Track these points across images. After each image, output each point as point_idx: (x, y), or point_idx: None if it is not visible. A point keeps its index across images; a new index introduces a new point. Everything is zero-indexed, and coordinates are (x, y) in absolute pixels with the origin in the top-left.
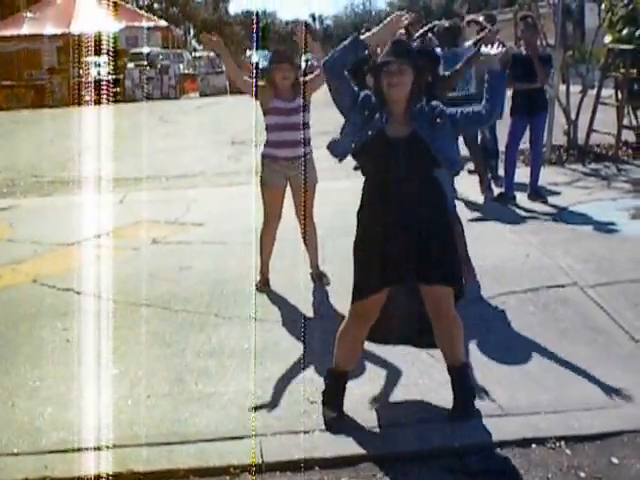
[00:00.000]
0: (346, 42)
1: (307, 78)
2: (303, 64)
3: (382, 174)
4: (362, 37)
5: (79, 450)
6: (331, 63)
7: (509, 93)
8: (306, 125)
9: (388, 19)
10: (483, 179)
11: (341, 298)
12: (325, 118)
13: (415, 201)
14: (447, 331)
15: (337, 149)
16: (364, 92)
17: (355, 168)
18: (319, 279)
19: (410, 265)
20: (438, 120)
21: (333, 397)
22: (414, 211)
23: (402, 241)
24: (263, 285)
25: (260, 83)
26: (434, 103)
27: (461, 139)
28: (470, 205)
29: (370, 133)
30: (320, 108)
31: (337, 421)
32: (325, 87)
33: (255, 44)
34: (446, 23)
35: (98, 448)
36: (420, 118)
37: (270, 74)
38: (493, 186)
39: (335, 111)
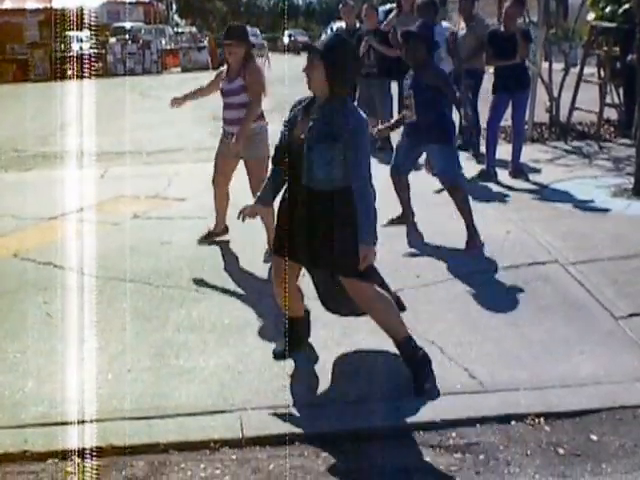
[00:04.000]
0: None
1: (250, 83)
2: (286, 39)
3: (295, 167)
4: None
5: (59, 424)
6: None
7: (491, 70)
8: (243, 105)
9: None
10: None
11: None
12: (296, 93)
13: (317, 202)
14: (371, 313)
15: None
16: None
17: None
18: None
19: (299, 252)
20: (331, 138)
21: (294, 334)
22: (312, 209)
23: (305, 232)
24: (223, 232)
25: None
26: (353, 125)
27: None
28: None
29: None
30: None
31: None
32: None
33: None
34: None
35: (78, 422)
36: (327, 120)
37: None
38: (470, 164)
39: (304, 87)
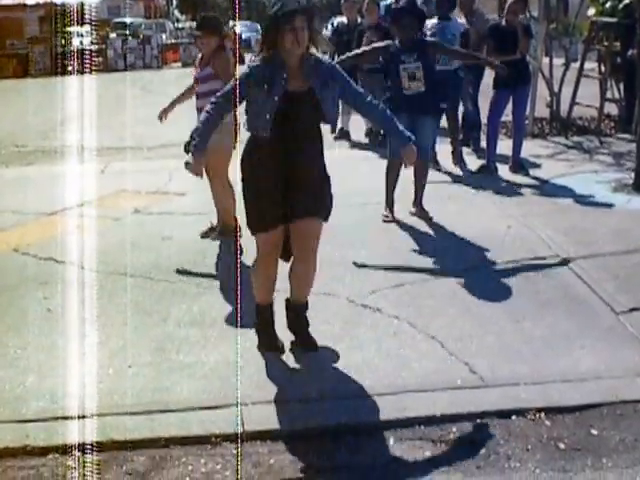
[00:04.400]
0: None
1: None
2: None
3: (283, 126)
4: None
5: (60, 419)
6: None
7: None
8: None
9: None
10: (455, 150)
11: (319, 273)
12: None
13: (311, 147)
14: (307, 262)
15: (258, 130)
16: (246, 72)
17: (335, 138)
18: (221, 234)
19: (298, 203)
20: (329, 82)
21: (261, 331)
22: (311, 154)
23: (284, 184)
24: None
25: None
26: (329, 63)
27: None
28: (452, 176)
29: (277, 98)
30: None
31: (271, 345)
32: None
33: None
34: None
35: (79, 417)
36: (315, 75)
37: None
38: (470, 159)
39: None
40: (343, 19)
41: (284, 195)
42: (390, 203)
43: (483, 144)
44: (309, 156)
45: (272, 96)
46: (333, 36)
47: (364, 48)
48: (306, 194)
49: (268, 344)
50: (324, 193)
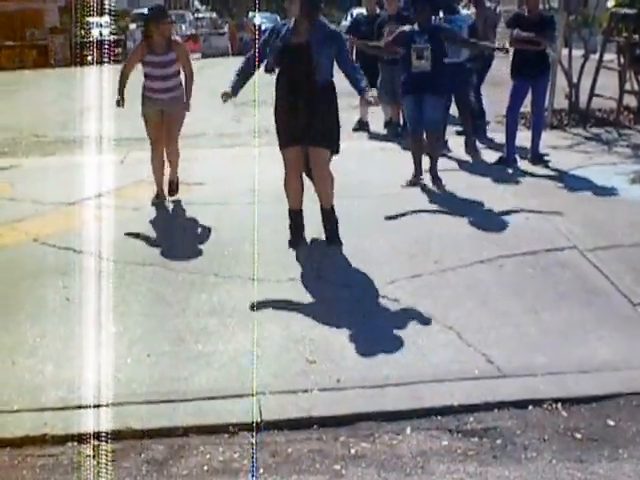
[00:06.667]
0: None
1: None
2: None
3: (286, 69)
4: None
5: (79, 407)
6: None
7: (510, 54)
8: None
9: None
10: (469, 140)
11: (337, 264)
12: None
13: (308, 89)
14: (322, 179)
15: (266, 65)
16: (270, 28)
17: (354, 129)
18: (170, 194)
19: (305, 132)
20: (327, 42)
21: (292, 231)
22: (308, 96)
23: (300, 116)
24: (156, 198)
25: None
26: (333, 29)
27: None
28: (469, 167)
29: (280, 43)
30: None
31: (299, 243)
32: None
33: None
34: None
35: (97, 406)
36: (316, 34)
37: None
38: (480, 145)
39: None
40: (362, 10)
41: (299, 124)
42: (417, 170)
43: (490, 134)
44: (312, 95)
45: (278, 43)
46: (352, 27)
47: (392, 35)
48: (315, 128)
49: (297, 243)
50: (331, 128)
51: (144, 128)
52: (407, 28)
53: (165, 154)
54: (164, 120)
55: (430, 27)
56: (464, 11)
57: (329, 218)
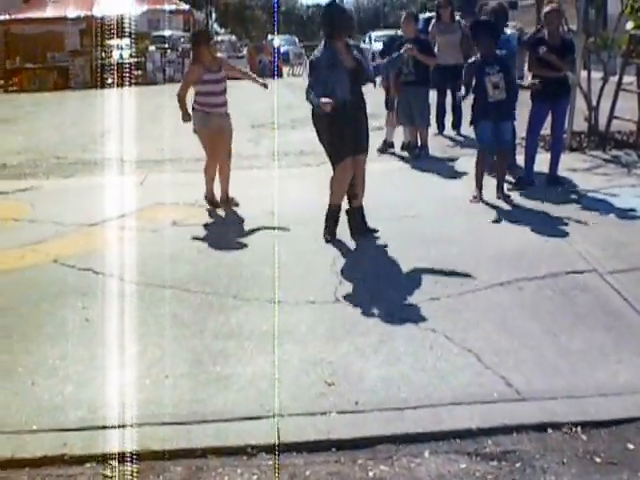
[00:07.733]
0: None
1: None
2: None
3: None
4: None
5: (98, 428)
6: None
7: (529, 77)
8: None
9: None
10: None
11: (356, 286)
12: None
13: (359, 105)
14: (364, 180)
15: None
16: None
17: (379, 150)
18: (225, 205)
19: (360, 143)
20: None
21: (331, 224)
22: (358, 111)
23: (357, 129)
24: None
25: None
26: (356, 45)
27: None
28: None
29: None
30: None
31: (332, 239)
32: None
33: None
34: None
35: (116, 427)
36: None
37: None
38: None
39: None
40: (389, 32)
41: (354, 136)
42: (478, 185)
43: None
44: (363, 111)
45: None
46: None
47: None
48: (365, 138)
49: (331, 233)
50: (368, 134)
51: (200, 143)
52: (474, 60)
53: (218, 167)
54: (223, 133)
55: (497, 57)
56: (508, 31)
57: (362, 213)
